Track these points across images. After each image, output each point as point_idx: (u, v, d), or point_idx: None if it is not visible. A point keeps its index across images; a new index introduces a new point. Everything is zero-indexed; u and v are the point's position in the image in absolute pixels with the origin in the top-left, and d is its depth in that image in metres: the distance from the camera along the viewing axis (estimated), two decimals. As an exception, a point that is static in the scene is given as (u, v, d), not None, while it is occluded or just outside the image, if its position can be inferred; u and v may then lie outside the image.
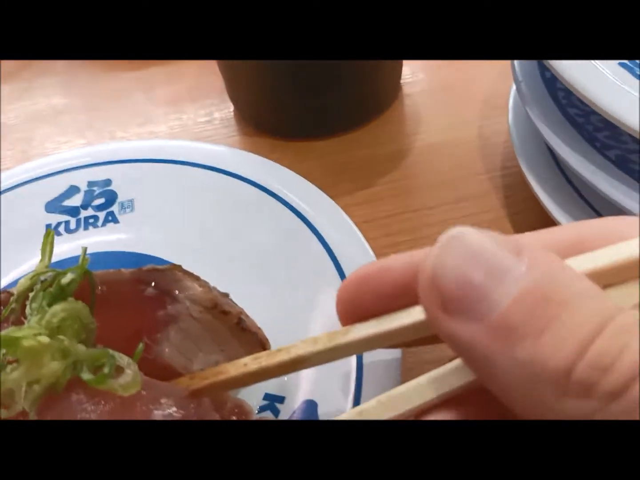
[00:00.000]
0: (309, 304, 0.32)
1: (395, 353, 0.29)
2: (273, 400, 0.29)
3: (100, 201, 0.38)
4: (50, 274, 0.26)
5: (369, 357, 0.29)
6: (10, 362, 0.24)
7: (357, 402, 0.27)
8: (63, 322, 0.24)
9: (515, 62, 0.37)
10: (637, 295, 0.19)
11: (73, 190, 0.39)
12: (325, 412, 0.28)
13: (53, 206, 0.38)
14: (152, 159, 0.39)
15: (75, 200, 0.38)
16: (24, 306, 0.26)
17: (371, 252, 0.32)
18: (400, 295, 0.22)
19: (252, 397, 0.29)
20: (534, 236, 0.22)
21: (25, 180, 0.39)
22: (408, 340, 0.22)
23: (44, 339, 0.23)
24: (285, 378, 0.29)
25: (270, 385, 0.29)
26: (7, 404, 0.23)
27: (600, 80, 0.30)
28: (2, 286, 0.35)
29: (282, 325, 0.31)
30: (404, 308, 0.22)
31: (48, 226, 0.37)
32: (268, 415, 0.29)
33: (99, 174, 0.39)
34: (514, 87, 0.41)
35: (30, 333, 0.23)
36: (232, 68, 0.43)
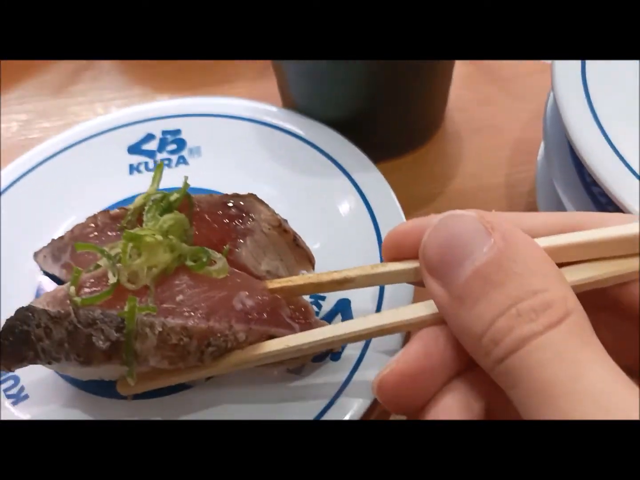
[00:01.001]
0: (345, 239, 0.40)
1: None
2: (317, 299, 0.37)
3: (172, 147, 0.46)
4: (159, 195, 0.34)
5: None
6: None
7: (380, 300, 0.36)
8: (171, 227, 0.33)
9: (549, 139, 0.40)
10: (588, 273, 0.26)
11: (149, 137, 0.47)
12: (355, 308, 0.36)
13: (134, 149, 0.46)
14: (215, 114, 0.47)
15: (152, 145, 0.47)
16: (138, 218, 0.35)
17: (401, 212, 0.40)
18: None
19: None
20: (527, 216, 0.28)
21: (109, 128, 0.47)
22: (418, 280, 0.30)
23: (159, 237, 0.32)
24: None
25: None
26: (133, 281, 0.31)
27: (621, 172, 0.32)
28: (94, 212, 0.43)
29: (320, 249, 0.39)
30: None
31: (131, 165, 0.46)
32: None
33: (171, 124, 0.47)
34: (541, 147, 0.44)
35: (150, 233, 0.32)
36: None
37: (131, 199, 0.43)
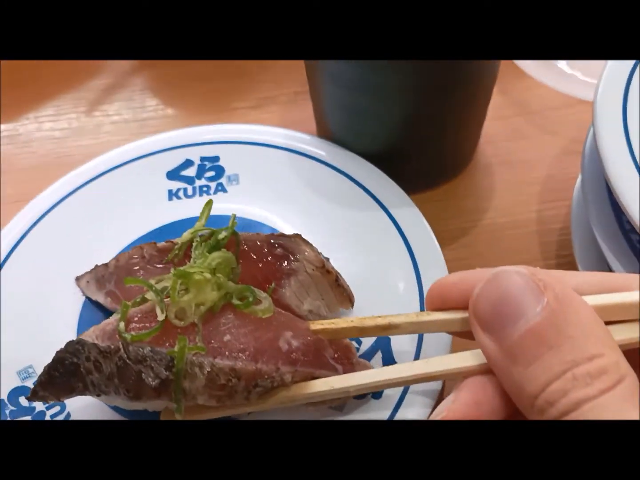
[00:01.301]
0: (383, 277, 0.41)
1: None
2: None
3: (211, 173, 0.47)
4: (206, 231, 0.35)
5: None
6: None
7: (420, 339, 0.36)
8: (219, 265, 0.34)
9: (586, 182, 0.40)
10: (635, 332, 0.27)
11: (188, 163, 0.48)
12: (395, 346, 0.37)
13: (173, 175, 0.47)
14: (253, 141, 0.48)
15: (190, 172, 0.47)
16: (185, 253, 0.36)
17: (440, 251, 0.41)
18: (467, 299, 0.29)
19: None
20: (570, 274, 0.29)
21: (148, 152, 0.48)
22: (463, 330, 0.31)
23: (207, 275, 0.32)
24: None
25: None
26: (181, 318, 0.32)
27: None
28: (135, 238, 0.44)
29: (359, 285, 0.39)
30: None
31: (170, 191, 0.46)
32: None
33: (209, 151, 0.48)
34: (576, 186, 0.45)
35: (198, 270, 0.32)
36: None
37: (171, 226, 0.44)
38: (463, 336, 0.32)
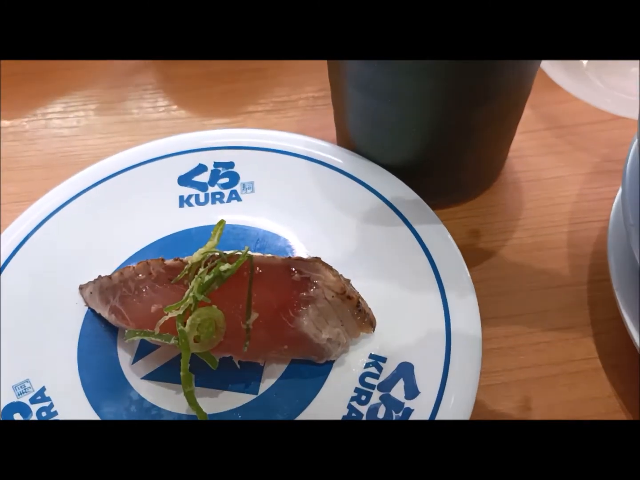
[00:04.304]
0: (407, 298, 0.38)
1: (476, 330, 0.35)
2: (377, 360, 0.36)
3: (224, 180, 0.45)
4: (217, 253, 0.33)
5: (457, 334, 0.36)
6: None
7: (446, 366, 0.34)
8: (202, 322, 0.31)
9: (628, 203, 0.36)
10: None
11: (201, 168, 0.45)
12: (419, 374, 0.35)
13: (184, 180, 0.45)
14: (271, 148, 0.45)
15: (203, 177, 0.45)
16: (195, 272, 0.33)
17: (466, 269, 0.38)
18: None
19: (359, 356, 0.36)
20: None
21: (160, 155, 0.46)
22: None
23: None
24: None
25: (375, 347, 0.36)
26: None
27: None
28: (143, 246, 0.42)
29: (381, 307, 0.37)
30: None
31: (181, 197, 0.44)
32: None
33: (224, 156, 0.46)
34: (614, 207, 0.42)
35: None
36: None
37: (181, 234, 0.42)
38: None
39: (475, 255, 0.44)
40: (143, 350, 0.37)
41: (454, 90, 0.38)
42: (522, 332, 0.41)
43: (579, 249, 0.45)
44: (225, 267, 0.32)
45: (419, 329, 0.37)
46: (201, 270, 0.33)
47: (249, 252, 0.33)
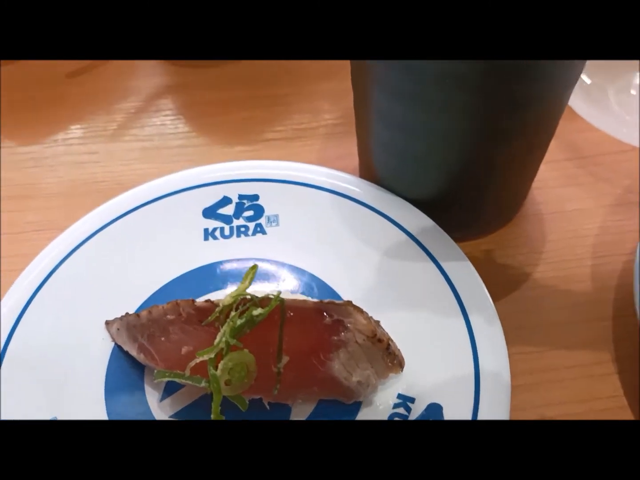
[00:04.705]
0: (435, 337, 0.38)
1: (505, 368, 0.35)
2: (405, 400, 0.36)
3: (249, 213, 0.45)
4: (248, 296, 0.33)
5: (485, 373, 0.36)
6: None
7: (476, 407, 0.34)
8: (234, 366, 0.31)
9: None
10: None
11: (226, 200, 0.45)
12: (448, 414, 0.34)
13: (209, 213, 0.45)
14: (295, 181, 0.45)
15: (228, 210, 0.45)
16: (227, 314, 0.33)
17: (493, 306, 0.38)
18: None
19: (387, 396, 0.36)
20: None
21: (184, 187, 0.46)
22: None
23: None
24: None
25: (403, 387, 0.36)
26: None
27: None
28: (168, 280, 0.42)
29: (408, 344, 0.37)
30: None
31: (205, 230, 0.44)
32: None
33: (248, 188, 0.46)
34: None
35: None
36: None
37: (206, 268, 0.42)
38: None
39: (498, 289, 0.44)
40: (171, 388, 0.37)
41: (481, 127, 0.38)
42: (547, 368, 0.41)
43: (602, 282, 0.45)
44: (257, 311, 0.32)
45: (447, 368, 0.36)
46: (233, 313, 0.33)
47: (281, 296, 0.33)
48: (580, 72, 0.39)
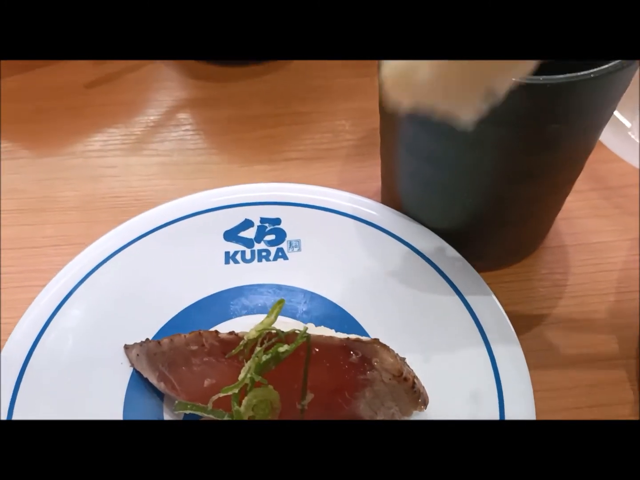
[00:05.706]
0: (459, 374, 0.38)
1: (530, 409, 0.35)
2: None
3: (271, 237, 0.44)
4: (273, 331, 0.32)
5: (510, 411, 0.35)
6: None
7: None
8: (258, 403, 0.31)
9: None
10: None
11: (247, 223, 0.45)
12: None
13: (230, 236, 0.44)
14: (318, 206, 0.45)
15: (250, 233, 0.44)
16: (251, 348, 0.33)
17: (518, 342, 0.38)
18: None
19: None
20: None
21: (205, 209, 0.45)
22: None
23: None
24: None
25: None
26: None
27: None
28: (188, 304, 0.41)
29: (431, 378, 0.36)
30: None
31: (227, 253, 0.43)
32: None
33: (270, 212, 0.45)
34: None
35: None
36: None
37: (227, 293, 0.42)
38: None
39: (520, 323, 0.43)
40: (189, 417, 0.37)
41: (511, 163, 0.37)
42: (570, 407, 0.40)
43: (626, 319, 0.44)
44: (284, 348, 0.32)
45: (472, 406, 0.36)
46: (258, 349, 0.32)
47: (307, 332, 0.32)
48: (613, 111, 0.38)
